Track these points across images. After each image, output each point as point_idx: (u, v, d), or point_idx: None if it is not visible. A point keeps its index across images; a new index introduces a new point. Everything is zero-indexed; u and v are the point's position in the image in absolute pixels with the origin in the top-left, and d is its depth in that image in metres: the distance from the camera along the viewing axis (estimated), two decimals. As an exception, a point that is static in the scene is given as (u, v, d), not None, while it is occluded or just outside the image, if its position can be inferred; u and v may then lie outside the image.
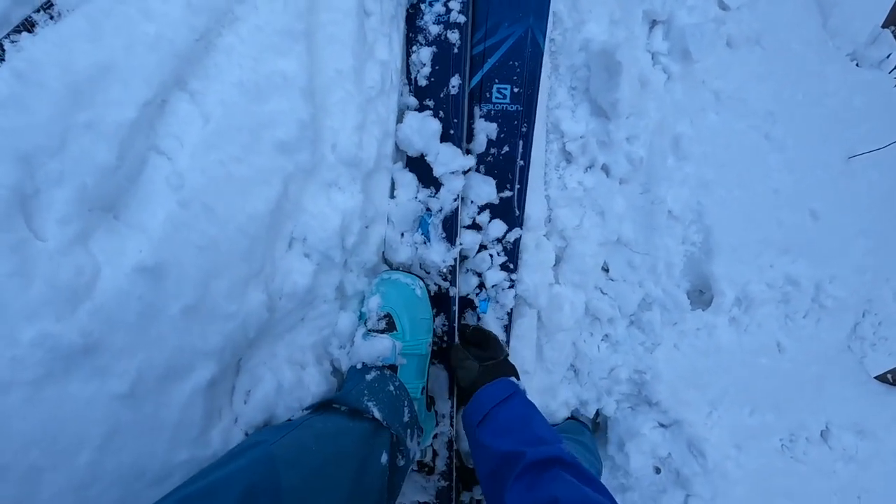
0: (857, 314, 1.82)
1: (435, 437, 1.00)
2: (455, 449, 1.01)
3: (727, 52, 1.42)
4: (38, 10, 0.57)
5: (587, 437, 1.28)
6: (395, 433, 0.72)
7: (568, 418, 1.34)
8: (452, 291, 0.93)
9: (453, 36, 0.90)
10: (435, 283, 0.94)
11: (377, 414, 0.70)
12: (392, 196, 0.92)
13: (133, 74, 0.59)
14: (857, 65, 1.68)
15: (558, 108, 1.07)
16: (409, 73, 0.93)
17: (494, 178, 0.97)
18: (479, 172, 0.97)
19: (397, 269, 0.92)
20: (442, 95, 0.91)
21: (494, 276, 0.98)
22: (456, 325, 0.95)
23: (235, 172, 0.65)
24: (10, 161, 0.52)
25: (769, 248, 1.45)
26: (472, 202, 0.96)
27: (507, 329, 1.03)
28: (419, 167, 0.92)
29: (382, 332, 0.82)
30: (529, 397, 1.20)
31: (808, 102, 1.50)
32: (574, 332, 1.25)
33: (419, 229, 0.91)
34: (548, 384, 1.26)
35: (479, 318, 1.00)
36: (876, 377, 1.90)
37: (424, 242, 0.93)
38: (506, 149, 0.97)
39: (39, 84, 0.54)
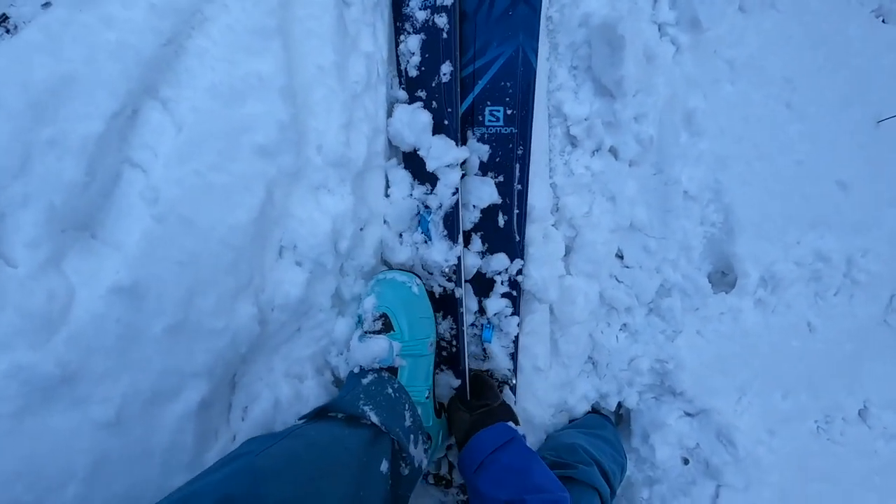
0: (893, 287, 1.72)
1: (450, 447, 0.97)
2: None
3: (740, 18, 1.33)
4: (-8, 24, 0.54)
5: (609, 431, 1.23)
6: (395, 439, 0.68)
7: (588, 412, 1.29)
8: (458, 293, 0.89)
9: (441, 20, 0.84)
10: (439, 285, 0.90)
11: (374, 418, 0.67)
12: (387, 195, 0.88)
13: (97, 85, 0.56)
14: (883, 21, 1.56)
15: (559, 91, 1.01)
16: (398, 63, 0.89)
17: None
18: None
19: (395, 268, 0.88)
20: (433, 84, 0.86)
21: (495, 305, 0.94)
22: (465, 328, 0.91)
23: (214, 181, 0.62)
24: (-29, 185, 0.49)
25: (795, 224, 1.37)
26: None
27: (514, 357, 0.99)
28: (414, 163, 0.88)
29: (379, 332, 0.77)
30: (546, 392, 1.17)
31: (831, 66, 1.40)
32: (590, 324, 1.20)
33: (419, 228, 0.87)
34: (565, 379, 1.22)
35: (484, 349, 0.96)
36: None
37: (425, 241, 0.89)
38: (500, 178, 0.92)
39: (-3, 102, 0.51)
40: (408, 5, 0.86)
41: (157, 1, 0.59)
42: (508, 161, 0.90)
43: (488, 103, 0.89)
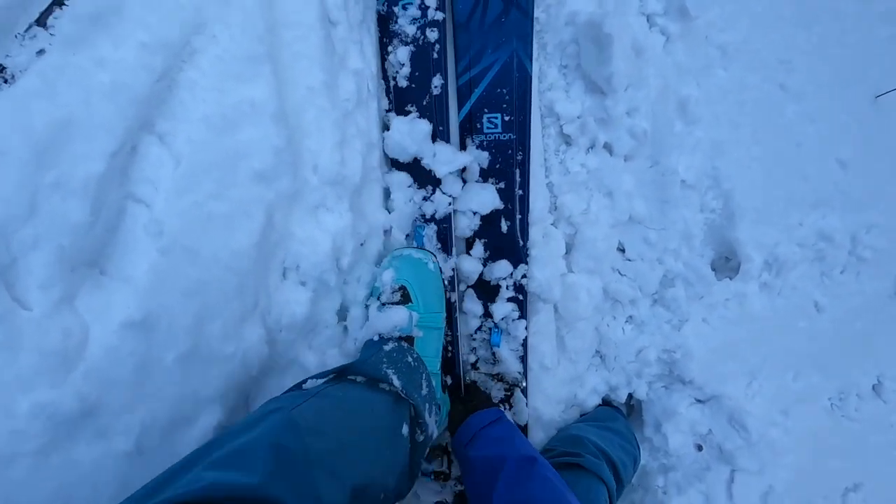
0: (897, 259, 1.71)
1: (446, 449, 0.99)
2: None
3: (730, 2, 1.32)
4: (-10, 76, 0.55)
5: (621, 423, 1.24)
6: (414, 405, 0.70)
7: (599, 405, 1.30)
8: (453, 297, 0.90)
9: (433, 34, 0.85)
10: None
11: (397, 383, 0.68)
12: (386, 207, 0.89)
13: (95, 126, 0.58)
14: (876, -7, 1.55)
15: (550, 90, 1.02)
16: (386, 77, 0.90)
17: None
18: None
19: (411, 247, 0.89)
20: (425, 103, 0.87)
21: (502, 309, 0.95)
22: (458, 333, 0.93)
23: (214, 210, 0.64)
24: (-18, 235, 0.51)
25: (796, 206, 1.37)
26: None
27: (524, 360, 1.00)
28: (412, 170, 0.89)
29: (397, 304, 0.79)
30: (555, 389, 1.18)
31: (825, 44, 1.39)
32: (595, 319, 1.21)
33: (413, 241, 0.88)
34: (574, 374, 1.23)
35: (493, 353, 0.98)
36: None
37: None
38: (501, 184, 0.93)
39: (1, 152, 0.53)
40: (396, 22, 0.86)
41: (146, 39, 0.60)
42: (508, 167, 0.91)
43: (486, 110, 0.90)
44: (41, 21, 0.58)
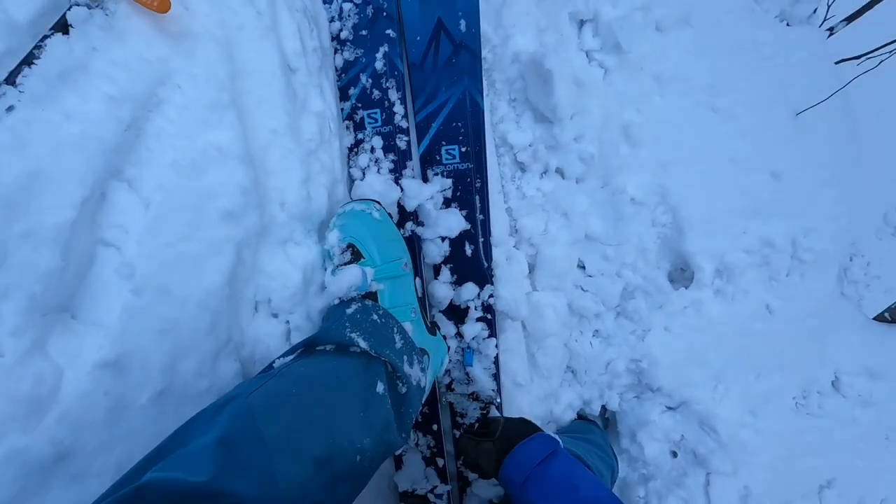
0: (842, 260, 1.83)
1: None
2: None
3: (659, 37, 1.45)
4: (-41, 133, 0.57)
5: (596, 435, 1.27)
6: (387, 361, 0.70)
7: (574, 419, 1.33)
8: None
9: (390, 84, 0.93)
10: None
11: (363, 344, 0.68)
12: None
13: (64, 176, 0.60)
14: (787, 24, 1.72)
15: (502, 123, 1.09)
16: (351, 116, 0.95)
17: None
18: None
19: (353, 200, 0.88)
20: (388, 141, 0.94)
21: (472, 329, 0.99)
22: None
23: (186, 250, 0.66)
24: (-48, 286, 0.52)
25: (739, 215, 1.47)
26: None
27: (497, 377, 1.04)
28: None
29: (349, 263, 0.77)
30: (531, 406, 1.20)
31: (747, 69, 1.54)
32: (563, 335, 1.25)
33: None
34: (548, 390, 1.26)
35: (467, 373, 1.01)
36: (874, 318, 1.92)
37: None
38: (464, 212, 0.99)
39: (-30, 205, 0.54)
40: (355, 78, 0.93)
41: (113, 92, 0.64)
42: (468, 194, 0.97)
43: (443, 143, 0.96)
44: (10, 80, 0.60)
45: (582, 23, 1.32)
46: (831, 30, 1.75)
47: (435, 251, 0.96)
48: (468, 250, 0.98)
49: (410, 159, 0.96)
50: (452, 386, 1.02)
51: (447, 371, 1.01)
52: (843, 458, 1.70)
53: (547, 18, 1.19)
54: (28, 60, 0.61)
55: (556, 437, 0.82)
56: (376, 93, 0.94)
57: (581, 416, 1.36)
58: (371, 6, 0.92)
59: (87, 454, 0.56)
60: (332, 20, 0.94)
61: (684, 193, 1.38)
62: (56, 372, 0.57)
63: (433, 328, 0.90)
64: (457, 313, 1.01)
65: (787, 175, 1.54)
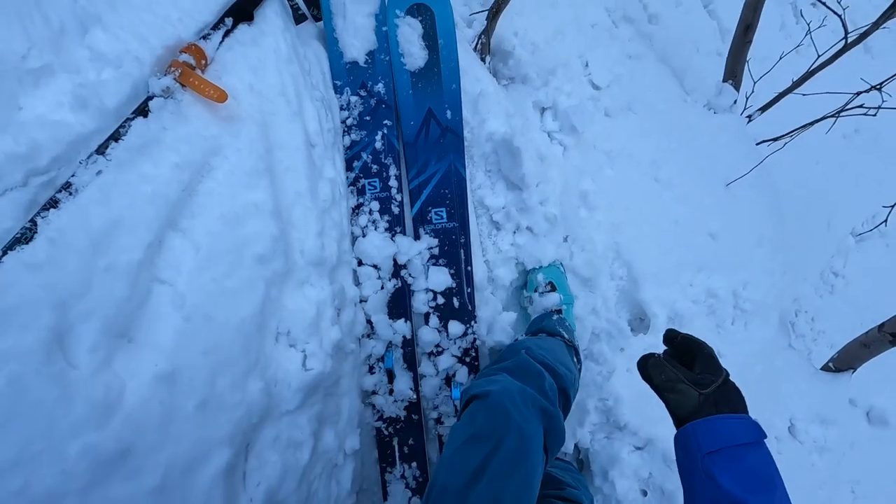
0: (782, 311, 2.06)
1: None
2: None
3: (608, 121, 1.74)
4: (59, 190, 0.73)
5: (573, 472, 1.37)
6: (575, 347, 1.14)
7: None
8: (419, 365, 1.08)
9: (388, 164, 1.14)
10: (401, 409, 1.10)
11: (566, 336, 1.12)
12: (356, 284, 1.09)
13: (137, 224, 0.75)
14: (713, 112, 2.06)
15: (480, 189, 1.30)
16: (354, 183, 1.15)
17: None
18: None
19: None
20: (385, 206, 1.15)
21: (457, 365, 1.14)
22: (426, 437, 1.11)
23: (227, 285, 0.80)
24: (49, 308, 0.65)
25: (685, 269, 1.69)
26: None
27: None
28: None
29: (549, 292, 1.27)
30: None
31: (683, 147, 1.83)
32: (537, 375, 1.39)
33: (382, 365, 1.09)
34: (525, 428, 1.38)
35: (455, 406, 1.14)
36: (821, 368, 2.11)
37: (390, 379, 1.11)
38: (452, 269, 1.17)
39: (67, 245, 0.69)
40: (358, 154, 1.14)
41: (178, 160, 0.81)
42: (455, 248, 1.15)
43: (432, 207, 1.15)
44: (100, 151, 0.77)
45: (543, 109, 1.60)
46: (750, 117, 2.10)
47: (422, 300, 1.12)
48: (455, 302, 1.15)
49: (402, 222, 1.14)
50: (441, 419, 1.14)
51: (435, 406, 1.14)
52: None
53: (514, 106, 1.44)
54: (115, 136, 0.79)
55: (760, 426, 0.71)
56: (375, 167, 1.15)
57: (558, 458, 1.46)
58: (374, 98, 1.15)
59: (143, 452, 0.67)
60: (341, 108, 1.16)
61: (636, 251, 1.59)
62: (121, 383, 0.69)
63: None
64: (442, 352, 1.15)
65: (723, 235, 1.79)
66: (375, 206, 1.14)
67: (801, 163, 2.17)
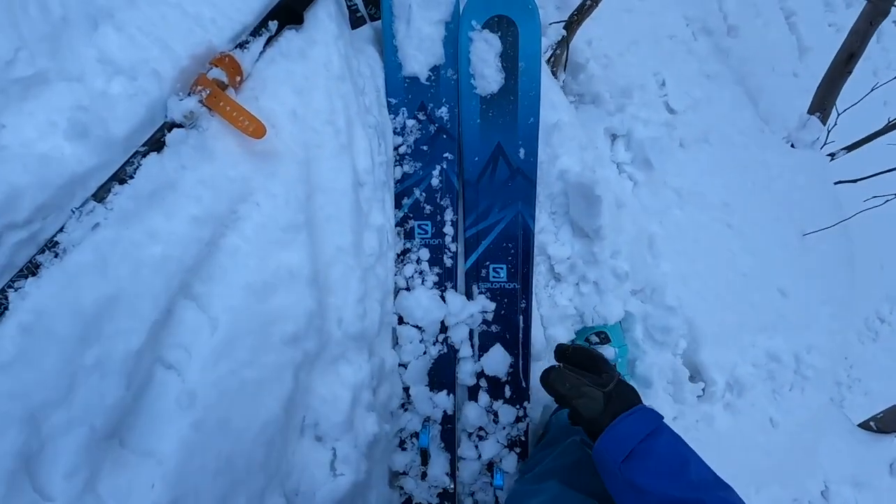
0: (834, 375, 1.89)
1: None
2: None
3: (681, 153, 1.53)
4: (42, 251, 0.56)
5: None
6: None
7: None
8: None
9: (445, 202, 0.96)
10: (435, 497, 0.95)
11: None
12: (394, 347, 0.92)
13: (140, 300, 0.58)
14: (792, 146, 1.85)
15: (542, 233, 1.12)
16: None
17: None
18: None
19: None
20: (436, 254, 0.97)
21: (503, 453, 0.98)
22: None
23: (248, 378, 0.64)
24: (16, 424, 0.49)
25: (747, 329, 1.51)
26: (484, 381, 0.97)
27: None
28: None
29: (600, 344, 1.13)
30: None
31: (758, 189, 1.63)
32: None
33: (417, 443, 0.92)
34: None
35: (496, 496, 0.97)
36: (859, 425, 1.96)
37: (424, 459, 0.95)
38: (507, 335, 0.99)
39: (46, 333, 0.52)
40: (409, 190, 0.96)
41: (198, 212, 0.63)
42: (513, 315, 0.97)
43: (490, 262, 0.97)
44: (99, 196, 0.59)
45: (615, 137, 1.39)
46: (832, 155, 1.88)
47: (469, 371, 0.95)
48: (507, 377, 0.98)
49: (455, 276, 0.97)
50: (477, 505, 0.98)
51: (471, 493, 0.98)
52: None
53: (587, 135, 1.24)
54: (120, 177, 0.61)
55: (658, 411, 0.73)
56: (428, 207, 0.96)
57: None
58: (435, 125, 0.95)
59: None
60: (394, 132, 0.96)
61: (699, 307, 1.41)
62: (105, 516, 0.53)
63: None
64: (488, 437, 0.99)
65: (792, 292, 1.60)
66: (425, 254, 0.95)
67: (884, 217, 1.97)
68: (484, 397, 0.96)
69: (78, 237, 0.57)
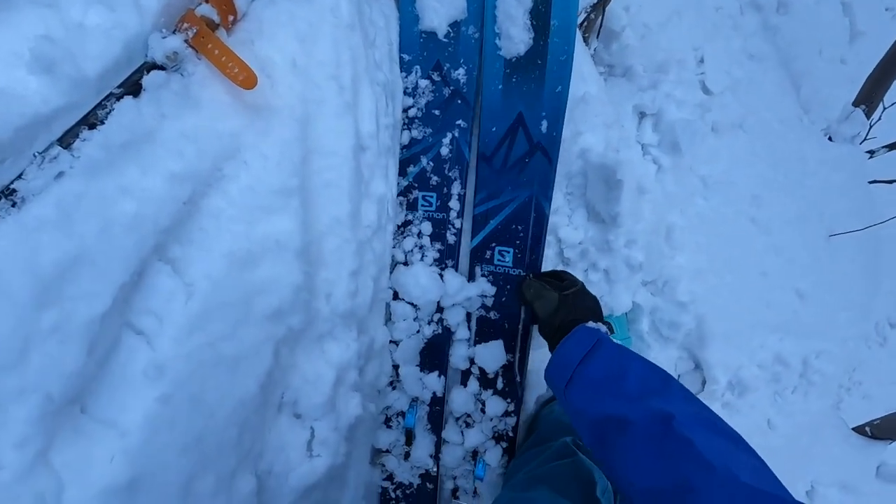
0: (840, 382, 1.84)
1: None
2: None
3: (713, 138, 1.43)
4: (-3, 199, 0.50)
5: None
6: None
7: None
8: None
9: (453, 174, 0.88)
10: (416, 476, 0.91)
11: None
12: (387, 323, 0.87)
13: (108, 261, 0.53)
14: (829, 139, 1.73)
15: (554, 214, 1.04)
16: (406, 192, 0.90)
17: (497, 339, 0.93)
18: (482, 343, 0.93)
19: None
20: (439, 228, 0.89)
21: (476, 438, 0.93)
22: None
23: (224, 352, 0.59)
24: (-40, 389, 0.44)
25: (759, 330, 1.46)
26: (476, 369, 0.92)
27: None
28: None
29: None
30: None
31: (790, 184, 1.53)
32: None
33: (402, 424, 0.87)
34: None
35: (475, 487, 0.93)
36: (854, 429, 1.93)
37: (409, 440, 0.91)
38: (506, 324, 0.92)
39: (-2, 292, 0.47)
40: (416, 157, 0.88)
41: (178, 167, 0.57)
42: (514, 303, 0.91)
43: (497, 243, 0.90)
44: (65, 142, 0.53)
45: (642, 115, 1.29)
46: (871, 152, 1.76)
47: (463, 355, 0.90)
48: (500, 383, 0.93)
49: (457, 255, 0.90)
50: (457, 494, 0.96)
51: (454, 477, 0.95)
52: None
53: (614, 112, 1.15)
54: (90, 121, 0.54)
55: (600, 327, 0.72)
56: (435, 178, 0.89)
57: None
58: (450, 88, 0.87)
59: None
60: (405, 92, 0.88)
61: (712, 304, 1.35)
62: (58, 488, 0.49)
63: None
64: (473, 426, 0.94)
65: (812, 295, 1.53)
66: (427, 228, 0.89)
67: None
68: (473, 384, 0.91)
69: (39, 186, 0.51)
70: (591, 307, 0.78)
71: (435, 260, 0.89)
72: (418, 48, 0.87)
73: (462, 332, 0.90)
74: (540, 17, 0.83)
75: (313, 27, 0.69)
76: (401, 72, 0.87)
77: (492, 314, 0.90)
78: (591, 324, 0.72)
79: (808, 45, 1.98)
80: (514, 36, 0.84)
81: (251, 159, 0.63)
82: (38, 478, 0.49)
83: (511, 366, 0.91)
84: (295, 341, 0.68)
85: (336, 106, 0.71)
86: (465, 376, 0.92)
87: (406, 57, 0.88)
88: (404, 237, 0.89)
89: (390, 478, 0.92)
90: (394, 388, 0.91)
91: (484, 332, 0.91)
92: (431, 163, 0.88)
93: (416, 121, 0.89)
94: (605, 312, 1.12)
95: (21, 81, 0.51)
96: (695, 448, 0.52)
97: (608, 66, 1.32)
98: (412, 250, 0.89)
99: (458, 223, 0.89)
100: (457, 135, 0.88)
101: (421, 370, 0.90)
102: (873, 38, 2.14)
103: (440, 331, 0.90)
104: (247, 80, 0.59)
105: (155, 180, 0.56)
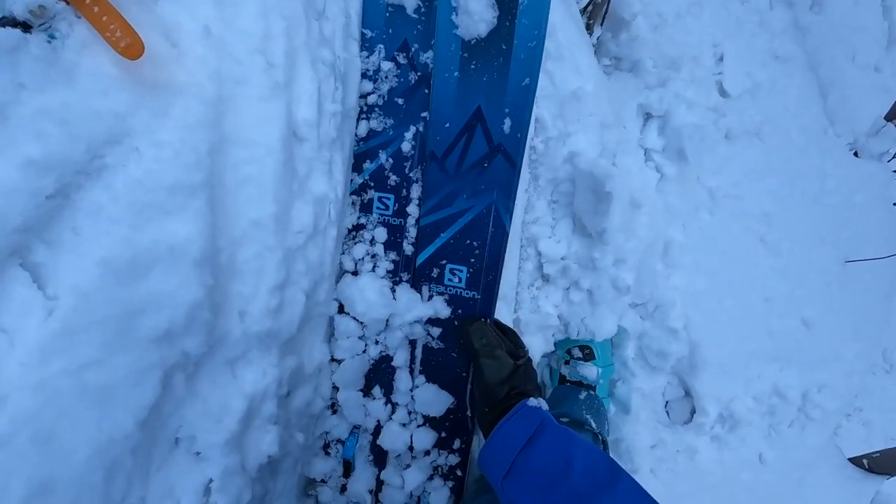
0: (839, 418, 1.73)
1: None
2: None
3: (725, 146, 1.30)
4: None
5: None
6: (604, 439, 0.89)
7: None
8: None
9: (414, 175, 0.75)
10: None
11: (594, 427, 0.87)
12: (329, 345, 0.76)
13: (-69, 268, 0.42)
14: (855, 154, 1.58)
15: (535, 224, 0.92)
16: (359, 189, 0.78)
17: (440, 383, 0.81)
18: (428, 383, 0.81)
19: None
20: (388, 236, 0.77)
21: (415, 478, 0.81)
22: None
23: (90, 382, 0.48)
24: None
25: (757, 359, 1.34)
26: (413, 412, 0.81)
27: None
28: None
29: (583, 361, 1.00)
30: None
31: (807, 202, 1.39)
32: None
33: (342, 454, 0.76)
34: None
35: None
36: (851, 460, 1.82)
37: (349, 471, 0.80)
38: (454, 353, 0.80)
39: None
40: (374, 152, 0.75)
41: (37, 154, 0.45)
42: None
43: (448, 261, 0.77)
44: None
45: (648, 116, 1.16)
46: (899, 172, 1.61)
47: (404, 389, 0.79)
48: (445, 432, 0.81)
49: (412, 269, 0.78)
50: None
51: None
52: None
53: (614, 111, 1.02)
54: (-85, 90, 0.43)
55: (541, 404, 0.67)
56: (394, 178, 0.76)
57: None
58: (417, 73, 0.74)
59: None
60: (365, 75, 0.75)
61: (708, 331, 1.23)
62: None
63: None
64: (410, 466, 0.83)
65: (819, 324, 1.40)
66: (381, 234, 0.77)
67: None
68: (402, 413, 0.79)
69: None
70: (535, 381, 0.74)
71: (388, 272, 0.77)
72: (383, 23, 0.74)
73: (401, 357, 0.78)
74: (504, -8, 0.70)
75: (239, -13, 0.57)
76: (361, 50, 0.75)
77: (437, 343, 0.78)
78: (532, 401, 0.67)
79: (841, 49, 1.81)
80: (474, 12, 0.70)
81: (143, 146, 0.51)
82: None
83: (460, 403, 0.80)
84: (195, 368, 0.57)
85: (261, 87, 0.59)
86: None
87: (368, 33, 0.75)
88: (355, 243, 0.77)
89: (323, 511, 0.83)
90: (334, 412, 0.80)
91: (430, 363, 0.79)
92: (391, 160, 0.76)
93: (377, 109, 0.76)
94: (587, 336, 1.01)
95: None
96: None
97: (615, 58, 1.18)
98: (363, 258, 0.77)
99: (415, 232, 0.77)
100: (421, 129, 0.75)
101: (364, 395, 0.79)
102: (913, 45, 1.96)
103: (386, 352, 0.79)
104: (130, 47, 0.47)
105: (8, 169, 0.44)
